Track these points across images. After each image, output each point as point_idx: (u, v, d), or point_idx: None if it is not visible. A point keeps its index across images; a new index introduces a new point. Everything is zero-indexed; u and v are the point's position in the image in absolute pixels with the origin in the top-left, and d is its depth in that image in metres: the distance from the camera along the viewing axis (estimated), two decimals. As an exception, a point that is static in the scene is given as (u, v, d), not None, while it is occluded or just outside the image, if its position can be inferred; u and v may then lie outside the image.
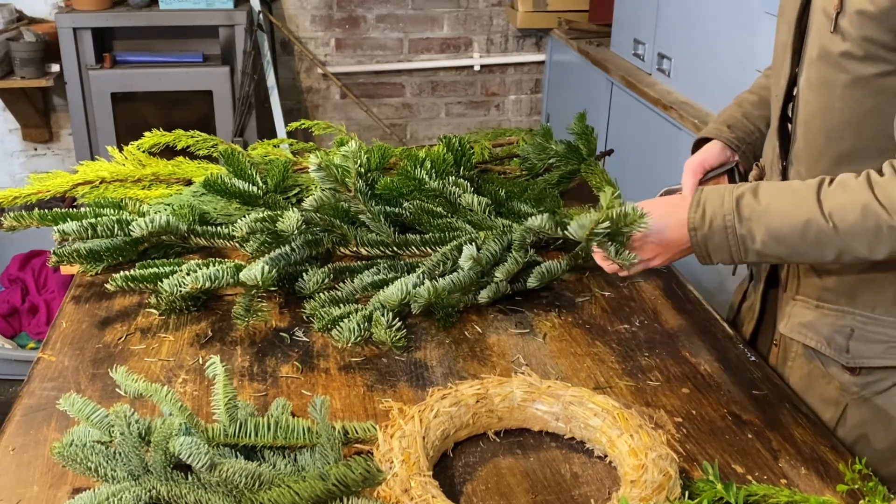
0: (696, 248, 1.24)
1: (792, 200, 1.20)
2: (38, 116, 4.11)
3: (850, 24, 1.17)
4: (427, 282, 1.34)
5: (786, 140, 1.35)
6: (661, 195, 1.42)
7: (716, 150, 1.48)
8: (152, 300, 1.37)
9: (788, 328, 1.35)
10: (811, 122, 1.27)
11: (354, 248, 1.54)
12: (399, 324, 1.29)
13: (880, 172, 1.16)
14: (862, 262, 1.20)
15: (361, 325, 1.27)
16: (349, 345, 1.25)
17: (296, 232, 1.38)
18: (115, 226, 1.44)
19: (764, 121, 1.50)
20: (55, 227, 1.42)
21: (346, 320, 1.28)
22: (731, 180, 1.47)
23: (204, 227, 1.55)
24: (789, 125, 1.34)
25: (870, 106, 1.18)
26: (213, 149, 1.78)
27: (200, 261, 1.41)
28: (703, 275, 1.74)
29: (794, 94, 1.31)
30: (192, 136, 1.79)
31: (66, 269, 1.54)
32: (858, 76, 1.18)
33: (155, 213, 1.51)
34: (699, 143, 1.52)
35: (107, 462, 0.96)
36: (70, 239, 1.43)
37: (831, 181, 1.19)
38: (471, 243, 1.48)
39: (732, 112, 1.53)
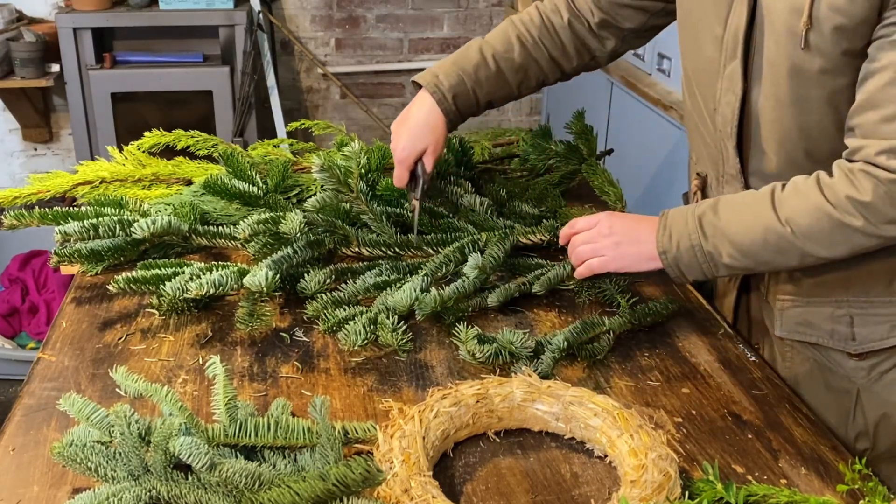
0: (669, 269, 1.30)
1: (750, 212, 1.24)
2: (38, 116, 4.11)
3: (827, 41, 1.17)
4: (433, 290, 1.34)
5: (741, 154, 1.33)
6: None
7: (426, 132, 1.54)
8: (153, 300, 1.37)
9: (785, 329, 1.36)
10: (787, 137, 1.27)
11: (356, 249, 1.53)
12: (405, 326, 1.29)
13: (830, 173, 1.18)
14: (826, 261, 1.22)
15: (367, 328, 1.26)
16: (355, 347, 1.25)
17: (298, 233, 1.38)
18: (117, 226, 1.44)
19: (487, 97, 1.56)
20: (56, 229, 1.41)
21: (351, 323, 1.28)
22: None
23: (206, 227, 1.55)
24: (743, 142, 1.33)
25: (843, 115, 1.19)
26: (213, 149, 1.78)
27: (203, 264, 1.40)
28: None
29: (747, 111, 1.30)
30: (192, 136, 1.79)
31: (66, 270, 1.54)
32: (834, 90, 1.20)
33: (157, 213, 1.51)
34: (418, 87, 1.59)
35: (107, 462, 0.96)
36: (71, 239, 1.43)
37: (783, 186, 1.22)
38: (473, 244, 1.48)
39: (465, 77, 1.54)
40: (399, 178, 1.52)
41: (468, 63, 1.55)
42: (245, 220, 1.41)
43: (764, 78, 1.26)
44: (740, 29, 1.26)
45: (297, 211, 1.41)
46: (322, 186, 1.50)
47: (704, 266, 1.27)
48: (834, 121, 1.22)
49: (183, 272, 1.35)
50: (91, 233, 1.43)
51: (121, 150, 1.79)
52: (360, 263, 1.50)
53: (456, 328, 1.29)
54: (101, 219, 1.44)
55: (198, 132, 1.80)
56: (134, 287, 1.35)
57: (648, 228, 1.31)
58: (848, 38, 1.16)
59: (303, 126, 1.94)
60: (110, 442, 0.99)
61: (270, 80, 4.00)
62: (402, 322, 1.30)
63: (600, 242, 1.35)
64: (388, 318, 1.29)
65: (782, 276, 1.35)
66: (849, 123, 1.18)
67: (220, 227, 1.55)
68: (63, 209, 1.49)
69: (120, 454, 0.97)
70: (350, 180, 1.48)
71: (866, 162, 1.14)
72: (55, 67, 3.77)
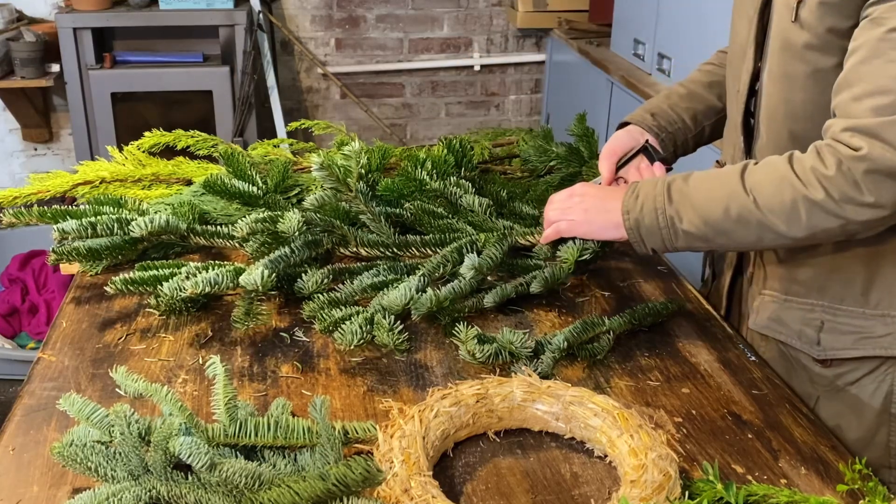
0: (629, 232, 1.29)
1: (718, 180, 1.24)
2: (38, 116, 4.11)
3: (813, 15, 1.19)
4: (429, 290, 1.34)
5: (749, 135, 1.36)
6: None
7: (623, 135, 1.51)
8: (151, 301, 1.37)
9: (758, 323, 1.38)
10: (774, 114, 1.29)
11: (354, 249, 1.53)
12: (401, 326, 1.29)
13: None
14: (782, 243, 1.21)
15: (363, 328, 1.26)
16: (351, 347, 1.25)
17: (296, 233, 1.37)
18: (115, 225, 1.44)
19: (689, 112, 1.55)
20: (54, 227, 1.41)
21: (347, 323, 1.28)
22: (651, 161, 1.49)
23: (204, 226, 1.55)
24: (752, 120, 1.35)
25: (829, 98, 1.19)
26: (213, 149, 1.78)
27: (200, 263, 1.40)
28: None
29: (757, 88, 1.32)
30: (192, 136, 1.79)
31: (65, 269, 1.54)
32: (818, 68, 1.20)
33: (155, 212, 1.51)
34: (623, 126, 1.54)
35: (107, 462, 0.96)
36: (69, 238, 1.42)
37: (758, 163, 1.22)
38: (471, 245, 1.48)
39: (659, 101, 1.56)
40: (604, 175, 1.49)
41: (657, 97, 1.58)
42: (243, 219, 1.41)
43: (768, 55, 1.29)
44: (757, 5, 1.29)
45: (296, 210, 1.41)
46: (321, 185, 1.50)
47: (664, 231, 1.26)
48: (817, 103, 1.22)
49: (180, 272, 1.35)
50: (89, 231, 1.42)
51: (121, 150, 1.79)
52: (359, 263, 1.50)
53: (456, 328, 1.29)
54: (99, 217, 1.44)
55: (198, 132, 1.80)
56: (132, 288, 1.35)
57: (619, 197, 1.32)
58: (832, 15, 1.16)
59: (303, 126, 1.95)
60: (110, 442, 0.99)
61: (270, 80, 4.00)
62: (400, 322, 1.30)
63: (571, 208, 1.37)
64: (384, 318, 1.29)
65: (767, 269, 1.36)
66: (832, 106, 1.18)
67: (219, 227, 1.55)
68: (62, 208, 1.49)
69: (120, 454, 0.97)
70: (349, 179, 1.47)
71: (833, 139, 1.14)
72: (55, 67, 3.78)
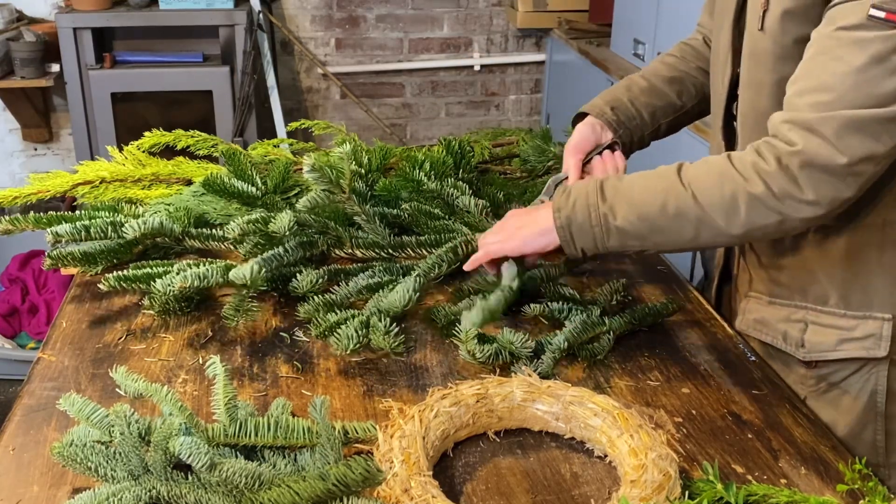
0: (560, 230, 1.24)
1: (654, 176, 1.23)
2: (38, 116, 4.11)
3: (777, 24, 1.19)
4: (479, 302, 1.30)
5: (730, 139, 1.37)
6: (550, 184, 1.44)
7: (587, 131, 1.48)
8: (146, 302, 1.37)
9: (744, 325, 1.38)
10: (746, 120, 1.30)
11: (349, 251, 1.53)
12: (397, 329, 1.28)
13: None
14: (718, 241, 1.21)
15: (359, 332, 1.25)
16: (347, 352, 1.24)
17: (288, 233, 1.37)
18: (109, 227, 1.43)
19: (648, 109, 1.52)
20: (48, 230, 1.41)
21: (343, 327, 1.27)
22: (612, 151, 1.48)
23: (198, 229, 1.54)
24: (735, 123, 1.35)
25: None
26: (213, 149, 1.78)
27: (192, 261, 1.40)
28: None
29: (738, 93, 1.33)
30: (192, 136, 1.79)
31: (65, 269, 1.54)
32: (784, 76, 1.20)
33: (153, 213, 1.51)
34: (580, 117, 1.52)
35: (107, 462, 0.96)
36: (63, 241, 1.42)
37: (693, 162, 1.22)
38: (466, 245, 1.46)
39: (619, 94, 1.53)
40: (571, 171, 1.46)
41: (618, 87, 1.56)
42: (235, 220, 1.40)
43: (742, 61, 1.29)
44: (733, 11, 1.30)
45: (288, 211, 1.41)
46: (314, 187, 1.50)
47: (597, 230, 1.22)
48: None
49: (172, 270, 1.35)
50: (83, 234, 1.42)
51: (121, 150, 1.79)
52: (354, 265, 1.49)
53: (456, 328, 1.29)
54: (93, 220, 1.44)
55: (198, 132, 1.80)
56: (125, 285, 1.35)
57: (549, 208, 1.28)
58: (796, 24, 1.17)
59: (303, 126, 1.94)
60: (110, 442, 0.99)
61: (270, 80, 4.00)
62: (395, 325, 1.29)
63: (501, 229, 1.33)
64: (380, 320, 1.28)
65: (752, 271, 1.37)
66: None
67: (214, 230, 1.54)
68: (57, 213, 1.49)
69: (120, 454, 0.97)
70: (342, 181, 1.47)
71: (773, 133, 1.15)
72: (55, 67, 3.77)
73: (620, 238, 1.22)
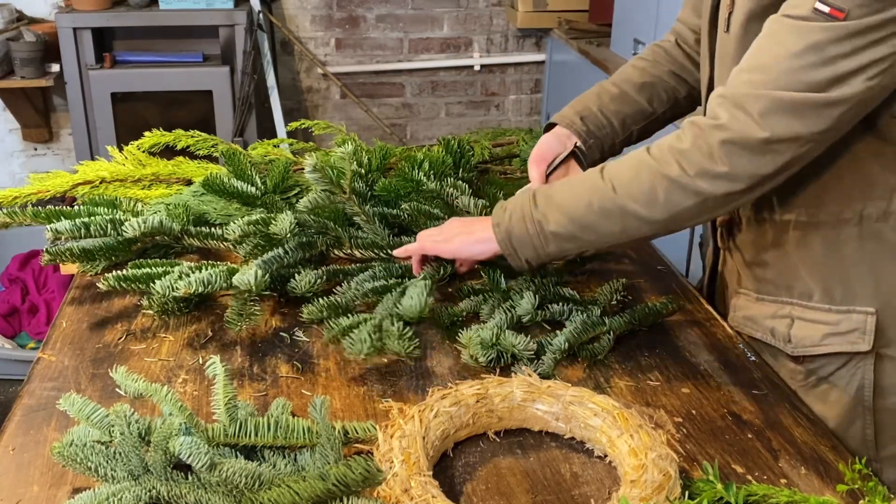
0: (502, 244, 1.29)
1: (579, 179, 1.27)
2: (38, 116, 4.11)
3: (742, 28, 1.21)
4: (559, 336, 1.29)
5: None
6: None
7: (551, 140, 1.50)
8: (144, 302, 1.36)
9: (735, 322, 1.40)
10: None
11: (349, 251, 1.53)
12: (410, 332, 1.26)
13: None
14: (647, 231, 1.22)
15: (373, 336, 1.23)
16: (362, 356, 1.22)
17: (288, 235, 1.37)
18: (109, 225, 1.43)
19: (618, 117, 1.53)
20: (47, 227, 1.41)
21: (356, 331, 1.25)
22: (580, 164, 1.49)
23: (198, 228, 1.54)
24: None
25: None
26: (213, 149, 1.78)
27: (193, 263, 1.40)
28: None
29: None
30: (192, 136, 1.79)
31: (66, 269, 1.54)
32: None
33: (154, 212, 1.51)
34: (550, 127, 1.53)
35: (107, 462, 0.96)
36: (63, 238, 1.42)
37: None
38: None
39: (588, 102, 1.54)
40: (534, 180, 1.47)
41: (588, 95, 1.56)
42: (235, 221, 1.40)
43: (715, 63, 1.31)
44: (708, 13, 1.31)
45: (288, 212, 1.41)
46: (315, 187, 1.49)
47: (535, 239, 1.26)
48: None
49: (173, 271, 1.35)
50: (82, 231, 1.42)
51: (121, 150, 1.79)
52: (353, 265, 1.49)
53: (459, 333, 1.28)
54: (92, 217, 1.44)
55: (198, 132, 1.80)
56: (124, 285, 1.34)
57: (486, 219, 1.34)
58: (758, 26, 1.17)
59: (303, 126, 1.94)
60: (110, 442, 0.99)
61: (270, 80, 4.00)
62: (409, 328, 1.28)
63: (439, 233, 1.39)
64: (392, 324, 1.27)
65: (739, 268, 1.38)
66: None
67: (213, 229, 1.54)
68: (55, 208, 1.49)
69: (120, 454, 0.97)
70: (342, 181, 1.47)
71: (704, 111, 1.17)
72: (55, 67, 3.78)
73: (557, 242, 1.26)
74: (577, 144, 1.48)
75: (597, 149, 1.51)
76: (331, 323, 1.29)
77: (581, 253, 1.30)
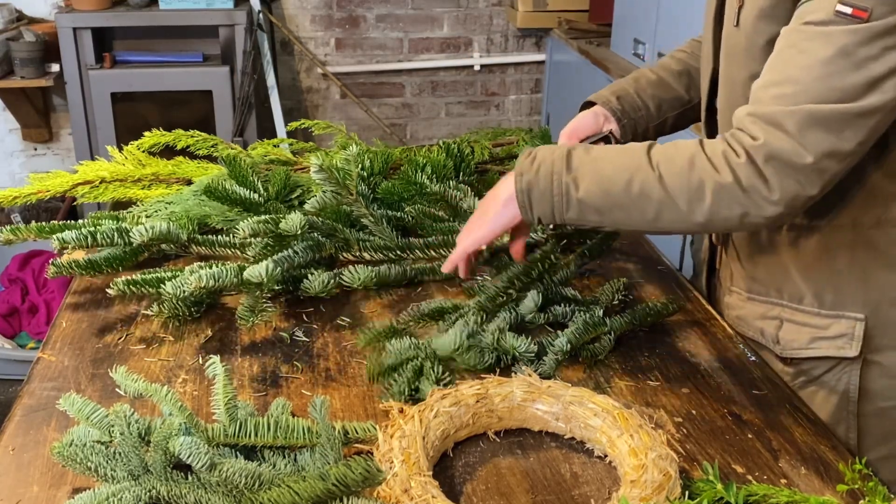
0: (519, 194, 1.21)
1: (623, 152, 1.20)
2: (38, 116, 4.11)
3: (751, 24, 1.20)
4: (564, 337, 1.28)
5: (714, 133, 1.37)
6: None
7: (589, 118, 1.47)
8: (154, 308, 1.36)
9: (729, 320, 1.40)
10: (724, 115, 1.31)
11: (357, 254, 1.53)
12: (448, 378, 1.20)
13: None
14: (679, 227, 1.18)
15: (411, 383, 1.18)
16: (392, 400, 1.17)
17: (299, 233, 1.36)
18: (115, 234, 1.42)
19: (654, 101, 1.51)
20: (54, 237, 1.39)
21: (396, 374, 1.20)
22: None
23: (205, 235, 1.53)
24: (717, 118, 1.37)
25: None
26: (213, 149, 1.78)
27: (202, 263, 1.39)
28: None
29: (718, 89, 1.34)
30: (192, 136, 1.79)
31: (67, 270, 1.54)
32: (754, 73, 1.19)
33: (157, 220, 1.50)
34: (587, 106, 1.52)
35: (107, 462, 0.96)
36: (69, 248, 1.40)
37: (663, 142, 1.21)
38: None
39: (626, 85, 1.53)
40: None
41: (626, 79, 1.55)
42: (245, 220, 1.40)
43: (721, 57, 1.30)
44: (714, 5, 1.31)
45: (297, 212, 1.41)
46: (321, 188, 1.49)
47: (556, 199, 1.18)
48: None
49: (182, 273, 1.34)
50: (89, 240, 1.41)
51: (121, 149, 1.79)
52: (363, 267, 1.49)
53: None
54: (98, 227, 1.43)
55: (198, 132, 1.80)
56: (133, 289, 1.34)
57: (509, 181, 1.25)
58: (770, 24, 1.16)
59: (303, 126, 1.94)
60: (110, 442, 0.99)
61: (270, 79, 4.00)
62: (446, 373, 1.21)
63: (470, 223, 1.31)
64: (433, 368, 1.20)
65: (732, 267, 1.38)
66: None
67: (220, 235, 1.54)
68: (59, 223, 1.48)
69: (120, 454, 0.97)
70: (349, 182, 1.47)
71: (738, 126, 1.14)
72: (55, 67, 3.77)
73: (580, 211, 1.19)
74: (612, 130, 1.46)
75: (630, 129, 1.48)
76: (372, 360, 1.25)
77: (595, 228, 1.23)
